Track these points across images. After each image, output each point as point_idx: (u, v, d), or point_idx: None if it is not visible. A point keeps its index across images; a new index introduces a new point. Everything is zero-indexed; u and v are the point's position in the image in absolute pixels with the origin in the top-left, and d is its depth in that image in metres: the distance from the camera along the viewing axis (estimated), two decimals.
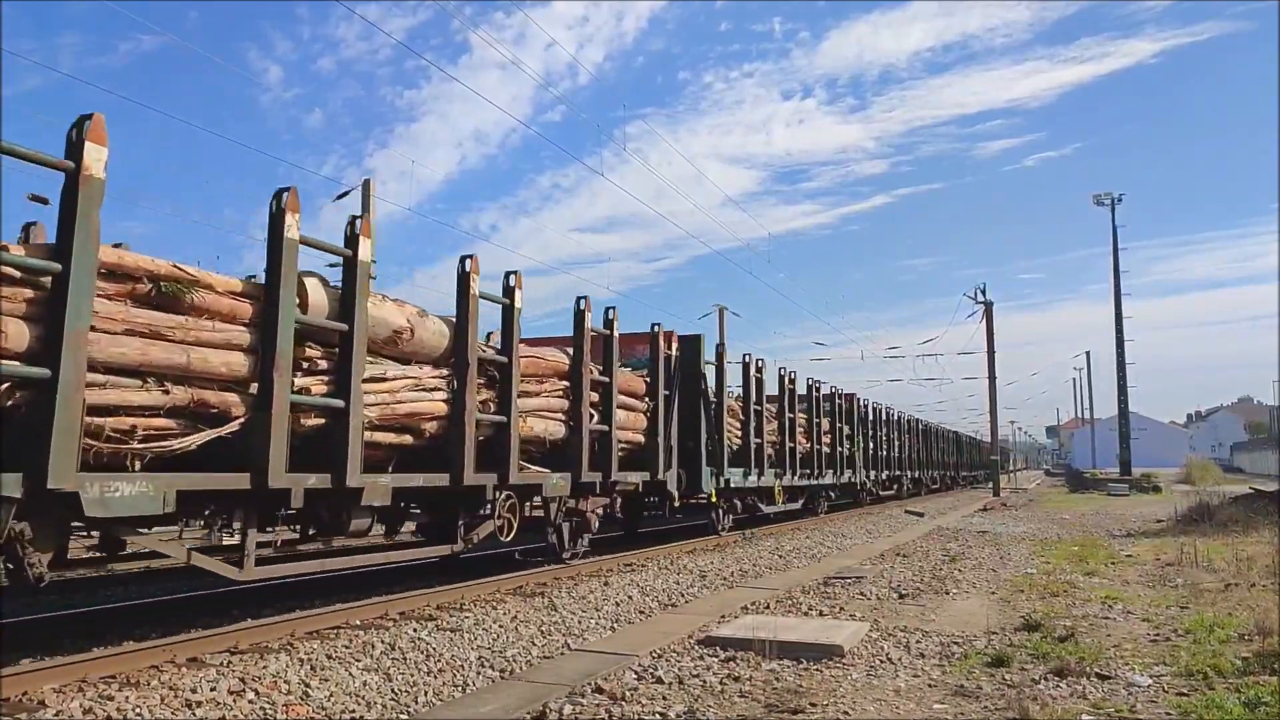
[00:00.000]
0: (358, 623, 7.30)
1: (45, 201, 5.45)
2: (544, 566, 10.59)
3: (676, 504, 13.16)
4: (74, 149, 5.20)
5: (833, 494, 23.22)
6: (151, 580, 9.67)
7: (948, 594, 9.60)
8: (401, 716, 5.14)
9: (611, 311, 11.25)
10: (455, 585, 8.97)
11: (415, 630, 7.04)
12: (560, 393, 10.24)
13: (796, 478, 18.86)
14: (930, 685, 5.67)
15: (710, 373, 14.74)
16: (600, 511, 11.32)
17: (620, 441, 11.36)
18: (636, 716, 4.92)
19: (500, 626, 7.36)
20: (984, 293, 41.58)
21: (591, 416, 10.60)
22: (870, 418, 26.54)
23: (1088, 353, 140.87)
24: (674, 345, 13.21)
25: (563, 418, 10.23)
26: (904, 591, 9.62)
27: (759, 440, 16.59)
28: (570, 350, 10.57)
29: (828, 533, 17.53)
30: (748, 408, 16.40)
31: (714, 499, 14.36)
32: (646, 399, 12.34)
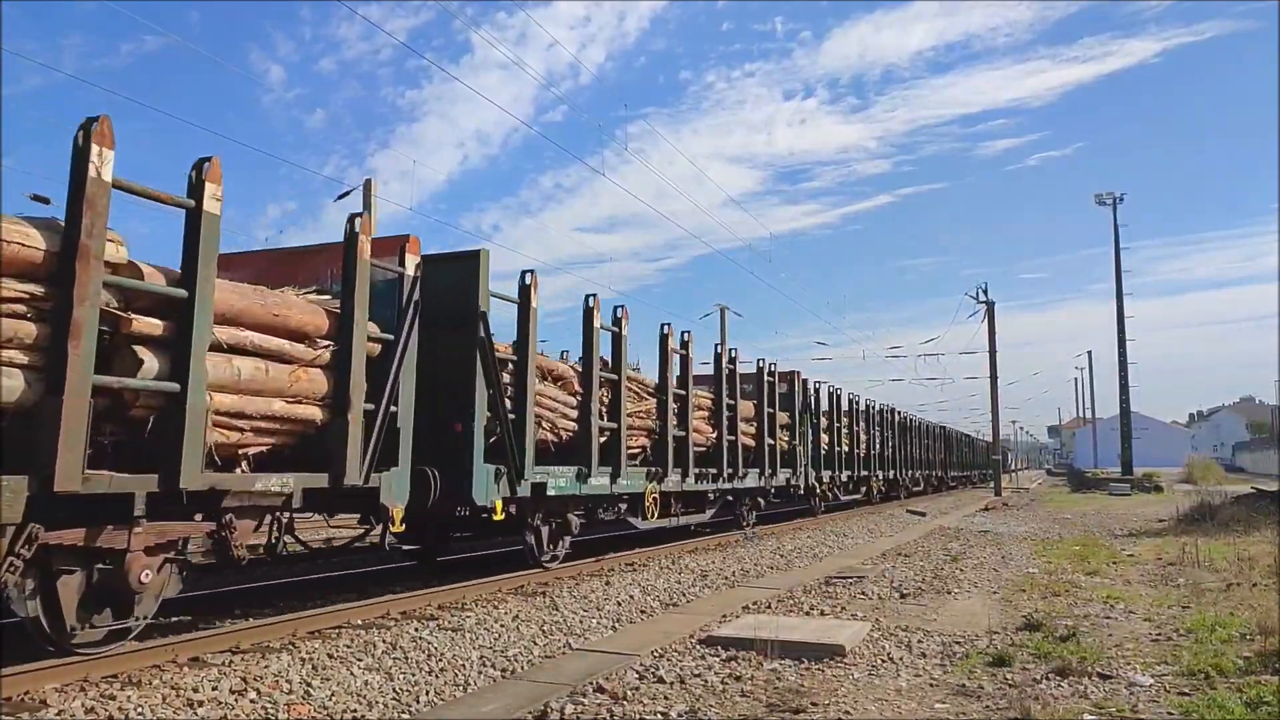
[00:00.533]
0: (359, 622, 7.31)
1: (47, 201, 5.47)
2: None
3: (397, 525, 7.65)
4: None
5: (763, 500, 17.73)
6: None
7: (949, 593, 9.59)
8: (403, 716, 5.14)
9: (206, 167, 5.98)
10: (457, 585, 8.97)
11: (417, 630, 7.05)
12: (23, 308, 5.06)
13: (692, 480, 13.36)
14: (932, 685, 5.67)
15: (509, 314, 9.64)
16: (172, 555, 6.07)
17: (239, 416, 6.28)
18: (638, 716, 4.92)
19: (502, 626, 7.37)
20: (985, 292, 41.62)
21: (140, 363, 5.59)
22: (824, 405, 21.83)
23: (1089, 352, 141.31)
24: (412, 261, 7.90)
25: (23, 358, 5.04)
26: (905, 591, 9.62)
27: (613, 425, 11.08)
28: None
29: (829, 532, 17.53)
30: (589, 377, 10.63)
31: (499, 514, 8.86)
32: (328, 344, 7.12)
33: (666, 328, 12.96)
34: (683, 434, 13.17)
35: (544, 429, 10.05)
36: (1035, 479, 77.72)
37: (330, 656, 6.09)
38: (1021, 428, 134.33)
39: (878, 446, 27.16)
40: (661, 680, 5.66)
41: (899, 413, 31.21)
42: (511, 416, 9.12)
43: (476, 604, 8.34)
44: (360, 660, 6.06)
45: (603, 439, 10.92)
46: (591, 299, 10.90)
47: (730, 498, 16.06)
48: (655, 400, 12.74)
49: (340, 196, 21.04)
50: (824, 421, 21.66)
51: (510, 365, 9.43)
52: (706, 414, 14.62)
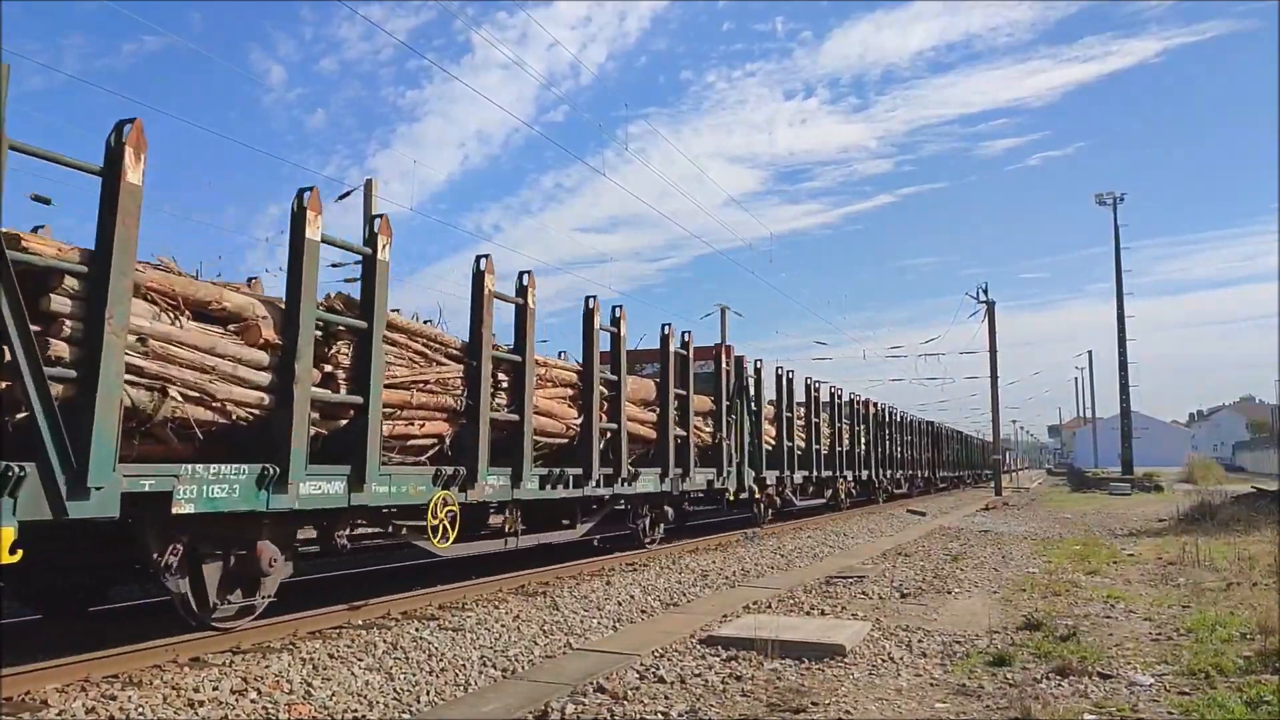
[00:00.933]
0: (360, 622, 7.31)
1: (48, 202, 5.49)
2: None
3: None
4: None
5: (670, 509, 13.57)
6: (153, 580, 9.67)
7: (949, 593, 9.59)
8: (404, 716, 5.14)
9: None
10: (457, 585, 8.98)
11: (417, 630, 7.05)
12: None
13: (535, 484, 9.56)
14: (932, 684, 5.67)
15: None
16: None
17: None
18: (639, 716, 4.92)
19: (502, 626, 7.38)
20: (985, 292, 41.64)
21: None
22: (769, 392, 18.12)
23: (1090, 352, 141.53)
24: None
25: None
26: (906, 591, 9.62)
27: (357, 399, 7.17)
28: None
29: (829, 532, 17.54)
30: (294, 320, 6.65)
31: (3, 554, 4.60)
32: None
33: (484, 262, 8.85)
34: (514, 417, 9.16)
35: (174, 398, 5.88)
36: (1035, 479, 77.75)
37: (331, 656, 6.09)
38: (1022, 427, 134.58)
39: (847, 443, 23.20)
40: (662, 680, 5.66)
41: (875, 404, 27.47)
42: (64, 374, 5.18)
43: (477, 604, 8.35)
44: (361, 660, 6.06)
45: (341, 422, 7.20)
46: (307, 194, 6.76)
47: (624, 505, 12.29)
48: (461, 367, 8.60)
49: (341, 196, 21.03)
50: (769, 410, 18.13)
51: (67, 281, 5.27)
52: (569, 392, 10.60)
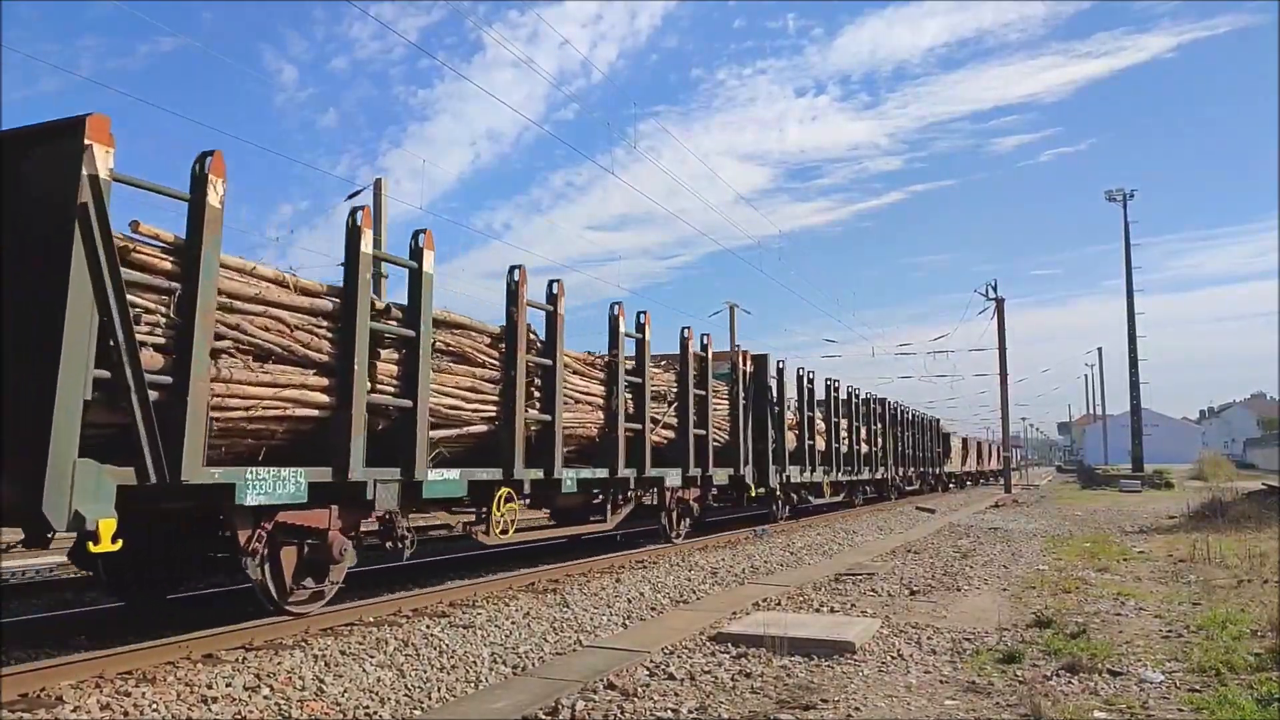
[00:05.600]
0: (371, 619, 7.35)
1: None
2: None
3: None
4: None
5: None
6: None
7: (959, 590, 9.59)
8: (415, 712, 5.17)
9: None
10: (468, 582, 9.01)
11: (428, 627, 7.08)
12: None
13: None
14: (942, 681, 5.67)
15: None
16: None
17: None
18: (648, 712, 4.94)
19: (513, 623, 7.40)
20: (995, 289, 41.55)
21: None
22: (425, 307, 7.78)
23: (1100, 349, 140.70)
24: None
25: None
26: (915, 588, 9.62)
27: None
28: None
29: (839, 529, 17.52)
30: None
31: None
32: None
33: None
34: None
35: None
36: (1045, 476, 77.47)
37: (343, 653, 6.13)
38: (1031, 424, 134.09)
39: (728, 426, 14.58)
40: (672, 677, 5.68)
41: (813, 375, 18.60)
42: None
43: (488, 601, 8.37)
44: (372, 657, 6.09)
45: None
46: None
47: None
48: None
49: (351, 195, 21.15)
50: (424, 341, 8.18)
51: None
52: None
